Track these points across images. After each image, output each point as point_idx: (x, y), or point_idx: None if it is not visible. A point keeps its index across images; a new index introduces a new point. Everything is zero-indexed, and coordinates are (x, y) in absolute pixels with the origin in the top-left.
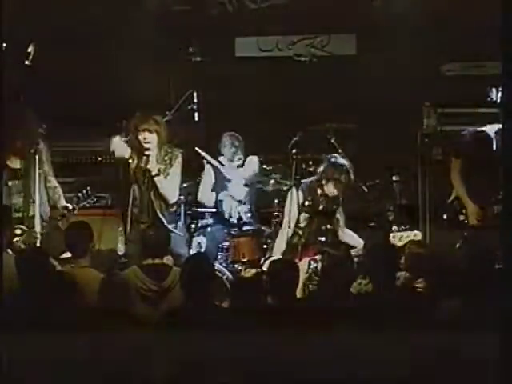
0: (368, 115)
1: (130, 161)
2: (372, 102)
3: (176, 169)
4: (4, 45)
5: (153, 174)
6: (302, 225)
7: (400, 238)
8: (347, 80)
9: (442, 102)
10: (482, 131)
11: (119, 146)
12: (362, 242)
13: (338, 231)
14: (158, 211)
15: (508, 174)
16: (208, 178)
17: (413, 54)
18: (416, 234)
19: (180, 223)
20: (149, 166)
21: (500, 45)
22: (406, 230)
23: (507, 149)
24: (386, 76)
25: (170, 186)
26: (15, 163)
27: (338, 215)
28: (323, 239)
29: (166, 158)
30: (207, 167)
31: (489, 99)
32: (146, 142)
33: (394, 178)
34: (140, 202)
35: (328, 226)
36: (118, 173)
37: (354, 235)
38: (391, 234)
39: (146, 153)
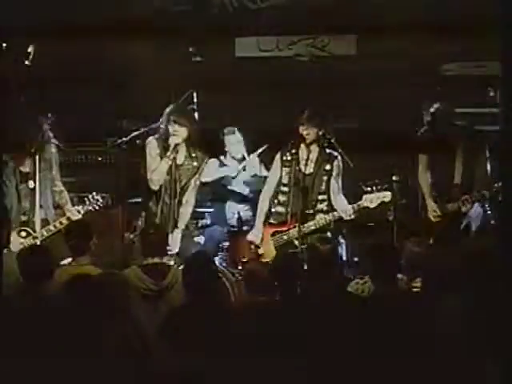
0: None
1: None
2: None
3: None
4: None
5: None
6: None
7: (371, 200)
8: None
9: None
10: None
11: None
12: (349, 208)
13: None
14: None
15: (507, 173)
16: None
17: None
18: (386, 196)
19: None
20: None
21: (500, 43)
22: (379, 190)
23: (506, 149)
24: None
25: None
26: (25, 167)
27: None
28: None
29: None
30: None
31: (489, 99)
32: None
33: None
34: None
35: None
36: (118, 172)
37: (345, 201)
38: (363, 196)
39: None
